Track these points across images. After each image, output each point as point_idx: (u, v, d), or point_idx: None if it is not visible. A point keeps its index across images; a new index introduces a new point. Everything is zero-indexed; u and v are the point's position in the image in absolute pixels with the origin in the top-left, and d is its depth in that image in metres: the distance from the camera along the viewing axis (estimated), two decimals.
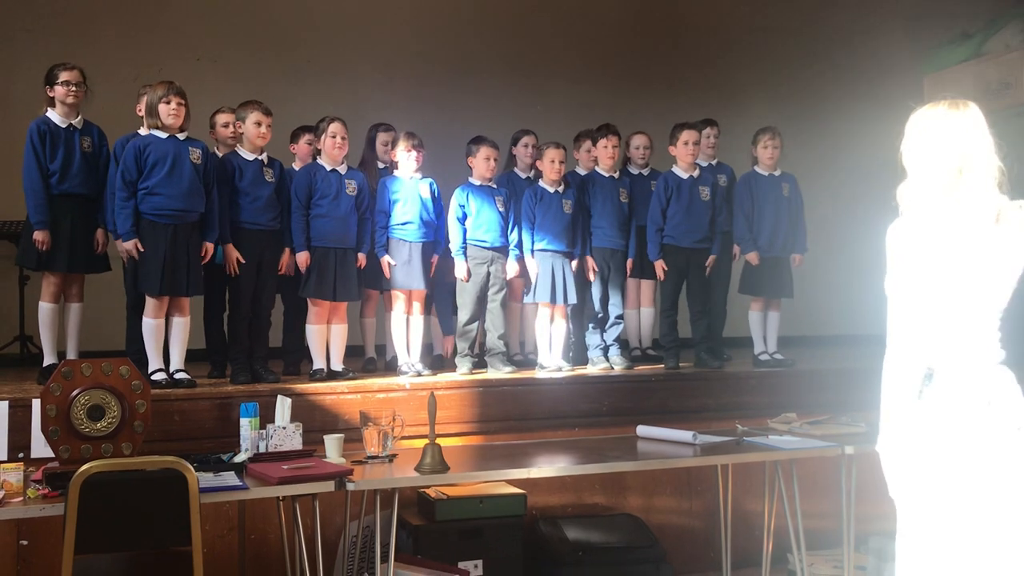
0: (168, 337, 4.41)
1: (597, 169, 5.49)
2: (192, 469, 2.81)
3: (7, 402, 3.29)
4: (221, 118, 5.03)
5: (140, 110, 4.76)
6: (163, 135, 4.36)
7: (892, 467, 2.37)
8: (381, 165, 5.37)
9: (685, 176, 5.36)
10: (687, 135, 5.34)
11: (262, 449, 3.46)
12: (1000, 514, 2.24)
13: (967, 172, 2.30)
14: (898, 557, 2.37)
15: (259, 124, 4.58)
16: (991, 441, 2.26)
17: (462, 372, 4.90)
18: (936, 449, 2.29)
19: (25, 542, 3.65)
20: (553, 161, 5.15)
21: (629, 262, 5.44)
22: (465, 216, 5.03)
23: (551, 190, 5.19)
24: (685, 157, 5.36)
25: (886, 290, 2.36)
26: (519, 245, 5.13)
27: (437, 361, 5.43)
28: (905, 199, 2.39)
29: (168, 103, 4.33)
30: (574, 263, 5.22)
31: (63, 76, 4.45)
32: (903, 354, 2.33)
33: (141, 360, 4.28)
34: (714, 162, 5.95)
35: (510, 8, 7.89)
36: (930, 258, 2.29)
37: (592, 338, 5.30)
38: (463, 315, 5.05)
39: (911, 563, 2.33)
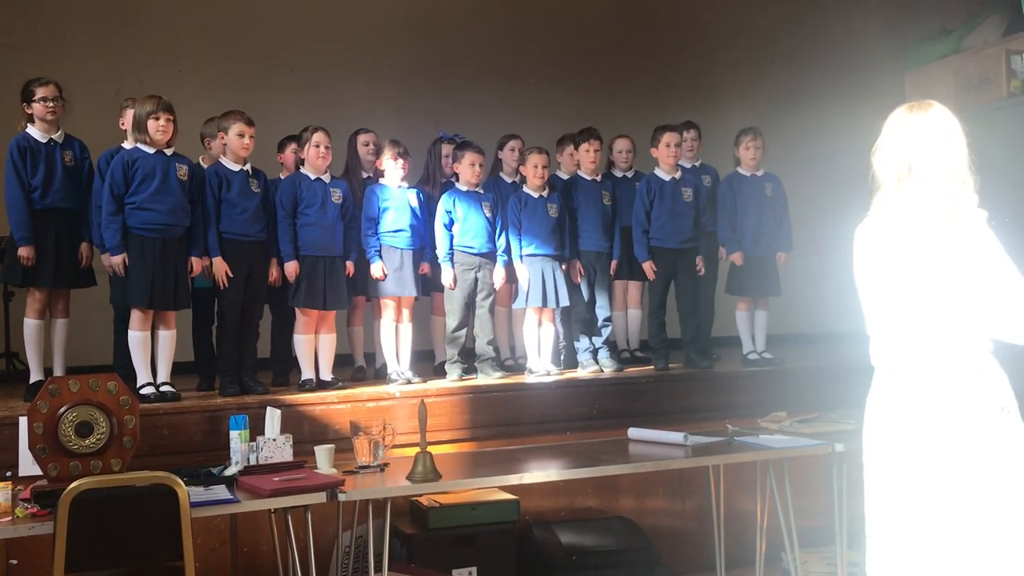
0: (155, 351, 4.39)
1: (579, 173, 5.49)
2: (182, 483, 2.80)
3: None
4: (212, 129, 4.99)
5: (124, 124, 4.73)
6: (150, 150, 4.33)
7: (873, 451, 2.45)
8: (365, 175, 5.35)
9: (667, 178, 5.37)
10: (668, 137, 5.36)
11: (252, 461, 3.45)
12: (984, 500, 2.27)
13: (914, 173, 2.40)
14: (874, 536, 2.42)
15: (242, 135, 4.55)
16: (975, 430, 2.29)
17: (452, 379, 4.89)
18: (920, 440, 2.33)
19: (15, 561, 3.61)
20: (536, 166, 5.15)
21: (613, 264, 5.44)
22: (452, 222, 5.02)
23: (535, 195, 5.19)
24: (667, 159, 5.37)
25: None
26: (507, 251, 5.13)
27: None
28: (875, 199, 2.49)
29: (157, 119, 4.30)
30: (563, 266, 5.23)
31: (39, 92, 4.43)
32: (877, 349, 2.42)
33: (129, 375, 4.26)
34: (697, 163, 5.98)
35: (493, 14, 7.90)
36: (884, 257, 2.41)
37: (581, 341, 5.30)
38: (451, 321, 5.04)
39: (888, 544, 2.38)
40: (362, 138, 5.42)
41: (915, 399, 2.34)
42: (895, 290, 2.39)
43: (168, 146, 4.39)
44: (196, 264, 4.47)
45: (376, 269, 4.85)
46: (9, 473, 3.16)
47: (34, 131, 4.46)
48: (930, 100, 2.48)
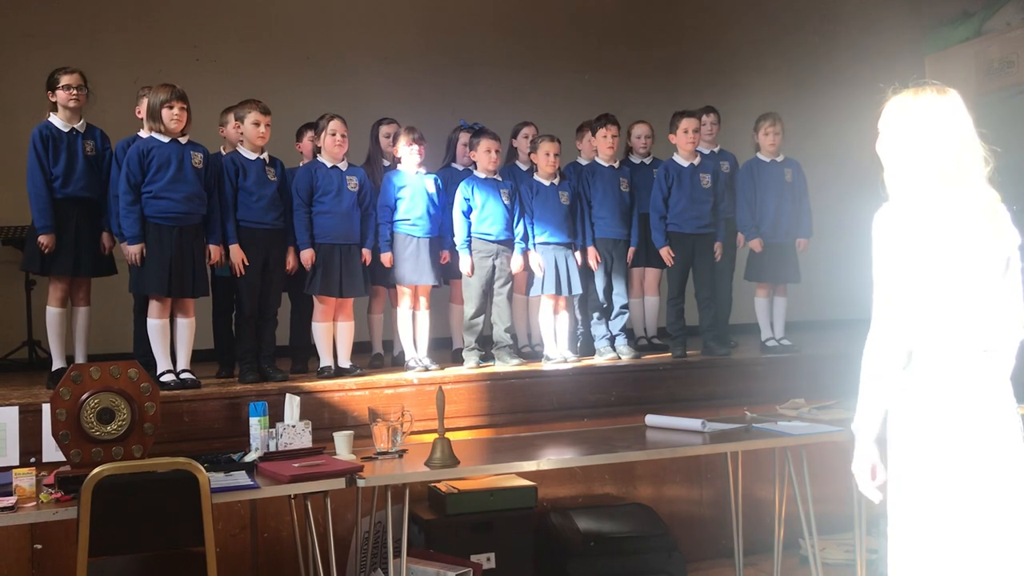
0: (174, 338, 4.43)
1: (597, 159, 5.47)
2: (203, 469, 2.82)
3: (17, 407, 3.30)
4: (231, 118, 5.01)
5: (140, 112, 4.76)
6: (165, 139, 4.36)
7: (868, 448, 2.41)
8: (387, 163, 5.36)
9: (686, 164, 5.35)
10: (686, 123, 5.34)
11: (272, 448, 3.48)
12: (991, 500, 2.24)
13: (965, 161, 2.28)
14: (890, 540, 2.39)
15: (258, 124, 4.57)
16: (983, 427, 2.25)
17: (469, 366, 4.90)
18: (929, 435, 2.29)
19: (39, 546, 3.67)
20: (548, 154, 5.13)
21: (631, 251, 5.43)
22: (470, 209, 5.02)
23: (546, 183, 5.17)
24: (685, 145, 5.35)
25: (874, 276, 2.33)
26: (525, 238, 5.13)
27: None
28: (897, 187, 2.34)
29: (171, 108, 4.32)
30: (577, 254, 5.22)
31: (64, 80, 4.46)
32: (890, 339, 2.33)
33: (149, 362, 4.29)
34: (716, 149, 5.94)
35: (509, 1, 7.87)
36: (928, 247, 2.26)
37: (598, 329, 5.30)
38: (469, 308, 5.04)
39: (903, 545, 2.35)
40: (384, 128, 5.41)
41: (953, 391, 2.28)
42: (948, 280, 2.26)
43: (183, 134, 4.41)
44: (214, 252, 4.50)
45: (385, 260, 4.85)
46: (33, 459, 3.20)
47: (56, 120, 4.49)
48: (939, 83, 2.34)
